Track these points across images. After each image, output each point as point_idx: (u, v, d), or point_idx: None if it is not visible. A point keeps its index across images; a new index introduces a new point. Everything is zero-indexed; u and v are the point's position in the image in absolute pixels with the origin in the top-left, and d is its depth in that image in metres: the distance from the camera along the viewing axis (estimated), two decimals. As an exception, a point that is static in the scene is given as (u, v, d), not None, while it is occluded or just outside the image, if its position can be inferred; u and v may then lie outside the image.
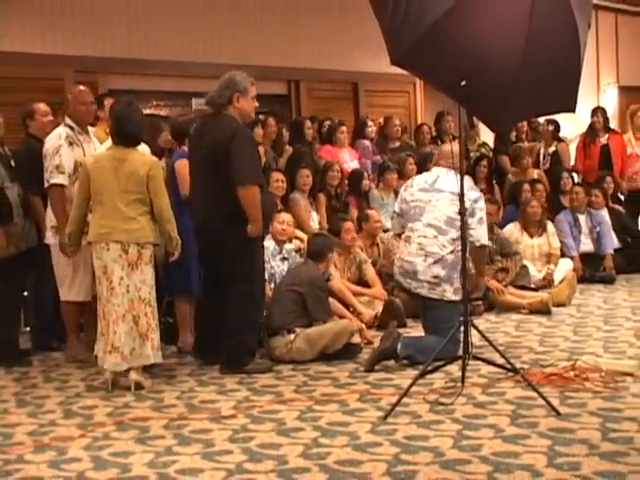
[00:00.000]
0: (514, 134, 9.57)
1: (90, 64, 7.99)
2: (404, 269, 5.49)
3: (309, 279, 5.72)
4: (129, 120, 5.11)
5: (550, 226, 8.27)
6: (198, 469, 3.64)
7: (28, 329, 6.51)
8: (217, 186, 5.21)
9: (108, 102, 6.44)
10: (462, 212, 4.68)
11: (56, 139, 5.68)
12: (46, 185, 5.65)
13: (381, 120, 9.41)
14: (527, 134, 9.76)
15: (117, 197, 5.03)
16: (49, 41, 7.84)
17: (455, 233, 5.21)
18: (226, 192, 5.15)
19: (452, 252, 5.33)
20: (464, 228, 4.70)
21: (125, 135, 5.11)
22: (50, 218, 5.73)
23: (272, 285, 6.04)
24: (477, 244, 5.44)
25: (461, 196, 4.63)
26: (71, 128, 5.75)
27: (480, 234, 5.41)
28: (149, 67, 8.40)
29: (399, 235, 6.02)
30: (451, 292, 5.38)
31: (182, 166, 5.76)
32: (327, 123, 8.82)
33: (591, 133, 9.70)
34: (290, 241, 6.61)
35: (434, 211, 5.41)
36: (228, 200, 5.15)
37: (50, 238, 5.73)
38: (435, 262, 5.36)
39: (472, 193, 5.38)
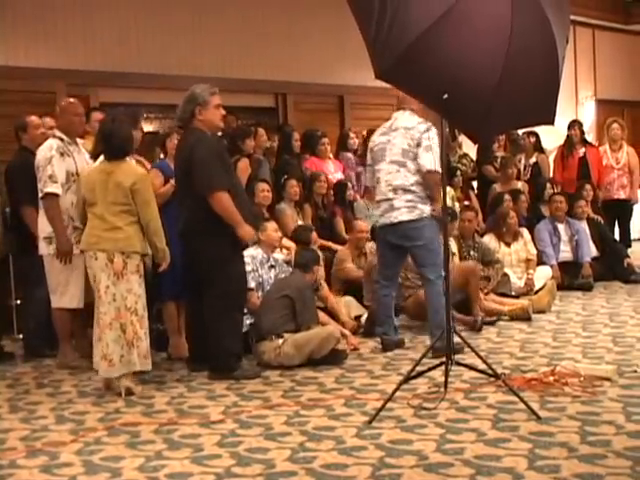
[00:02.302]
0: (495, 145, 9.69)
1: (82, 78, 8.02)
2: (382, 208, 5.92)
3: (298, 286, 5.84)
4: (113, 135, 5.20)
5: (525, 232, 8.38)
6: (187, 473, 3.69)
7: (21, 336, 6.57)
8: (187, 197, 5.40)
9: (96, 116, 6.51)
10: (445, 223, 4.81)
11: (47, 150, 5.74)
12: (40, 195, 5.70)
13: (365, 132, 9.51)
14: (506, 146, 9.90)
15: (105, 208, 5.12)
16: (41, 55, 7.88)
17: (410, 163, 5.76)
18: (195, 203, 5.32)
19: (418, 184, 5.78)
20: (448, 251, 4.81)
21: (110, 150, 5.21)
22: (42, 229, 5.77)
23: (260, 293, 6.13)
24: (424, 170, 5.77)
25: (444, 220, 4.79)
26: (61, 139, 5.80)
27: (425, 161, 5.75)
28: (140, 80, 8.44)
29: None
30: (428, 210, 5.82)
31: (154, 175, 5.91)
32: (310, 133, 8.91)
33: (569, 146, 9.83)
34: (281, 249, 6.72)
35: (392, 148, 5.85)
36: (197, 210, 5.32)
37: (43, 248, 5.77)
38: (405, 192, 5.78)
39: (421, 126, 5.82)
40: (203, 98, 5.39)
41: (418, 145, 5.76)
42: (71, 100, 6.08)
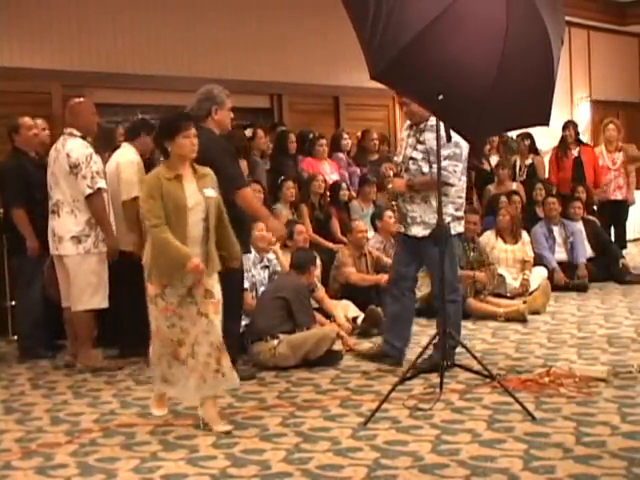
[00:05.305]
0: (488, 147, 9.70)
1: (77, 78, 7.99)
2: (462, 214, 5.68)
3: (294, 286, 5.85)
4: None
5: (525, 235, 8.40)
6: (183, 474, 3.70)
7: (15, 337, 6.56)
8: None
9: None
10: (440, 223, 4.82)
11: (84, 147, 5.67)
12: (89, 192, 5.60)
13: (359, 133, 9.52)
14: (498, 147, 9.91)
15: None
16: (36, 55, 7.87)
17: None
18: None
19: None
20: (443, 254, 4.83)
21: None
22: (68, 229, 5.64)
23: (253, 294, 6.12)
24: None
25: (439, 209, 4.78)
26: (83, 138, 5.75)
27: None
28: (134, 81, 8.44)
29: None
30: None
31: None
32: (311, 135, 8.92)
33: (563, 146, 9.82)
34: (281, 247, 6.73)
35: None
36: None
37: (68, 248, 5.65)
38: None
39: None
40: (221, 99, 5.35)
41: None
42: (81, 99, 6.00)
